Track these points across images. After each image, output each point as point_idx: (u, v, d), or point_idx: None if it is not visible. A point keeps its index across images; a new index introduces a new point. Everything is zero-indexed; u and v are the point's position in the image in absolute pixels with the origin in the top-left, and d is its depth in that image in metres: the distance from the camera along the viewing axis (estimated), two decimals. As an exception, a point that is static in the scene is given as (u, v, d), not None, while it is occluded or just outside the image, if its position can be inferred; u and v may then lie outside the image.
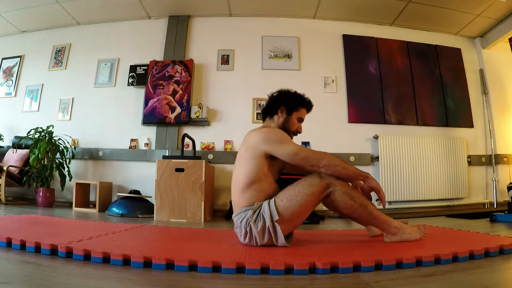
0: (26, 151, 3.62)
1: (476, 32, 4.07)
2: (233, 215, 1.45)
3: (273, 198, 1.36)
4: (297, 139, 3.58)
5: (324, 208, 3.62)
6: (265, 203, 1.35)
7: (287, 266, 1.00)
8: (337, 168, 1.34)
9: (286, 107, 1.52)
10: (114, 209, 2.91)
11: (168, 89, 3.68)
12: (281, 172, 1.62)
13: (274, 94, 1.59)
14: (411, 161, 3.55)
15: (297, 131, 1.56)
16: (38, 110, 4.00)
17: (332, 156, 1.37)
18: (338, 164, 1.34)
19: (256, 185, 1.39)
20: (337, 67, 3.86)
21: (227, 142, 3.61)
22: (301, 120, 1.57)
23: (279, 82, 3.79)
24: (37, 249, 1.20)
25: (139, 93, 3.80)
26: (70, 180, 3.50)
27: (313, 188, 1.33)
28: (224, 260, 1.03)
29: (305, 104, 1.57)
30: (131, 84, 3.80)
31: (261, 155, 1.39)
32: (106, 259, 1.08)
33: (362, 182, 1.43)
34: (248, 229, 1.36)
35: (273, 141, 1.39)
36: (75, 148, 3.71)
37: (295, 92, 1.58)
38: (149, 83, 3.72)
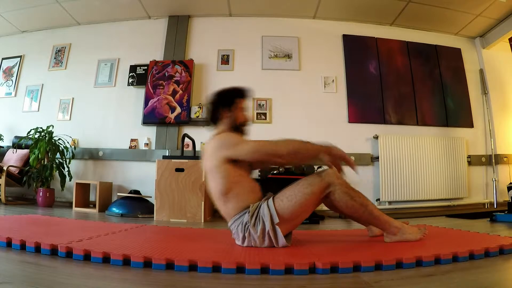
0: (26, 151, 3.62)
1: (476, 32, 4.07)
2: (228, 224, 1.43)
3: (271, 199, 1.36)
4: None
5: (324, 208, 3.61)
6: (264, 205, 1.34)
7: (287, 266, 1.00)
8: (299, 154, 1.34)
9: (225, 107, 1.52)
10: (114, 209, 2.91)
11: (168, 89, 3.68)
12: (253, 166, 1.60)
13: (210, 101, 1.57)
14: (411, 161, 3.55)
15: (247, 121, 1.56)
16: (38, 110, 4.01)
17: (289, 142, 1.36)
18: (298, 149, 1.34)
19: (234, 190, 1.38)
20: (337, 67, 3.86)
21: (227, 142, 3.61)
22: (245, 109, 1.57)
23: (279, 82, 3.81)
24: (37, 249, 1.20)
25: (139, 93, 3.80)
26: (70, 180, 3.50)
27: (313, 188, 1.33)
28: (224, 260, 1.03)
29: (239, 94, 1.56)
30: (131, 84, 3.80)
31: (223, 161, 1.38)
32: (106, 259, 1.08)
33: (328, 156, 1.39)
34: (246, 234, 1.34)
35: (229, 145, 1.38)
36: (75, 148, 3.71)
37: (227, 89, 1.57)
38: (149, 83, 3.72)
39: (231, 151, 1.37)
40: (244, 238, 1.35)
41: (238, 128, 1.52)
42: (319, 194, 1.34)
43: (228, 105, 1.51)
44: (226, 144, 1.38)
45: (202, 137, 3.63)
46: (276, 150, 1.35)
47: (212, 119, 1.56)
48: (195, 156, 3.05)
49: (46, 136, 3.42)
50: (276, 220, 1.30)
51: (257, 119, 3.67)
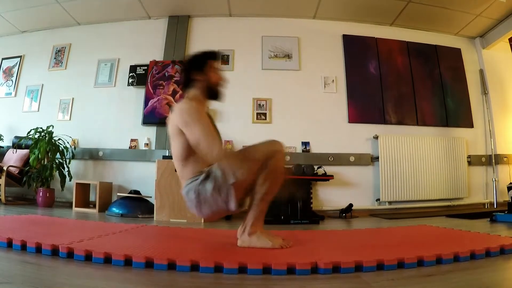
0: (26, 151, 3.61)
1: (476, 32, 4.07)
2: (182, 190, 1.44)
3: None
4: (298, 140, 3.59)
5: (324, 207, 3.61)
6: (215, 165, 1.36)
7: (289, 266, 1.01)
8: (232, 160, 1.35)
9: (198, 69, 1.52)
10: (114, 209, 2.91)
11: (168, 89, 3.68)
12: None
13: (183, 66, 1.59)
14: (411, 161, 3.55)
15: (220, 81, 1.56)
16: (38, 110, 4.00)
17: (227, 155, 1.40)
18: (234, 157, 1.38)
19: (193, 157, 1.40)
20: (337, 67, 3.86)
21: (227, 142, 3.61)
22: (218, 70, 1.57)
23: (279, 82, 3.81)
24: (38, 249, 1.20)
25: (139, 93, 3.79)
26: (70, 180, 3.49)
27: (259, 154, 1.33)
28: (226, 260, 1.03)
29: (211, 56, 1.57)
30: (131, 84, 3.80)
31: (181, 132, 1.38)
32: (107, 260, 1.08)
33: None
34: (196, 194, 1.35)
35: (185, 122, 1.36)
36: (75, 148, 3.71)
37: (198, 52, 1.57)
38: (149, 83, 3.72)
39: (185, 129, 1.36)
40: (197, 200, 1.35)
41: (212, 89, 1.52)
42: (263, 160, 1.33)
43: (200, 67, 1.52)
44: (184, 120, 1.36)
45: (202, 137, 3.62)
46: (211, 156, 1.32)
47: (185, 83, 1.55)
48: (195, 156, 3.04)
49: (46, 136, 3.41)
50: (232, 180, 1.31)
51: (257, 119, 3.66)
